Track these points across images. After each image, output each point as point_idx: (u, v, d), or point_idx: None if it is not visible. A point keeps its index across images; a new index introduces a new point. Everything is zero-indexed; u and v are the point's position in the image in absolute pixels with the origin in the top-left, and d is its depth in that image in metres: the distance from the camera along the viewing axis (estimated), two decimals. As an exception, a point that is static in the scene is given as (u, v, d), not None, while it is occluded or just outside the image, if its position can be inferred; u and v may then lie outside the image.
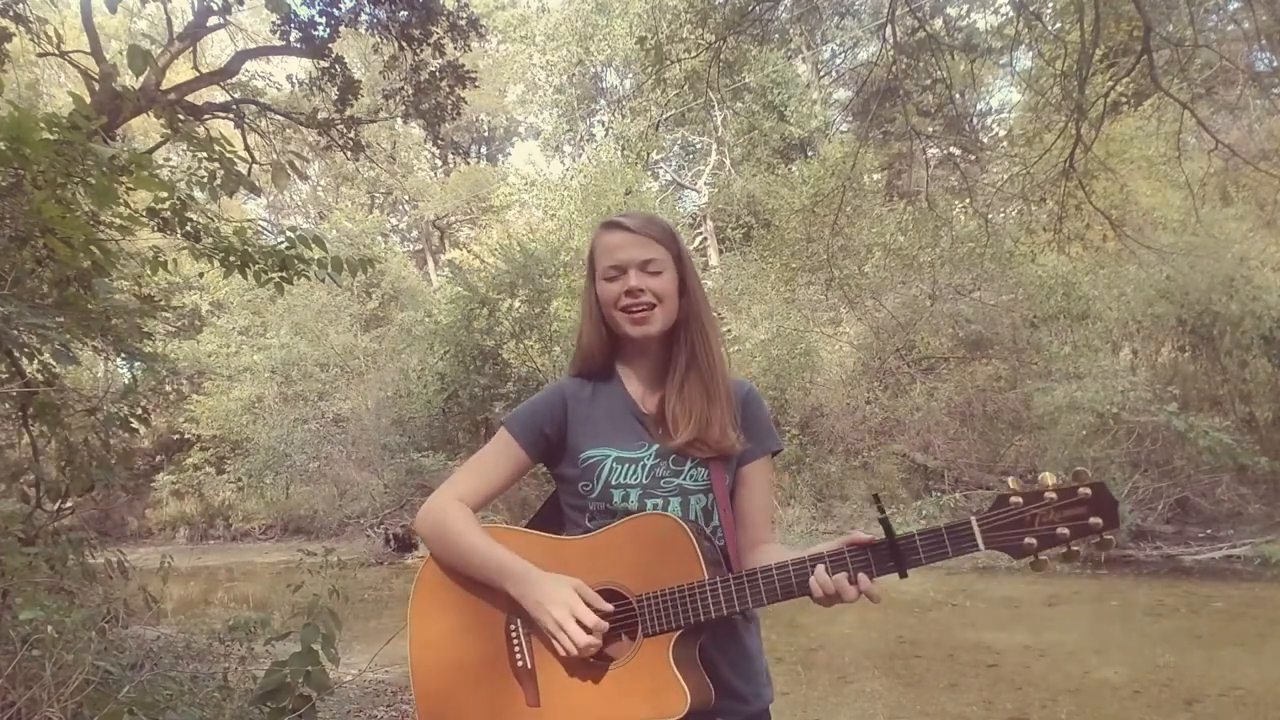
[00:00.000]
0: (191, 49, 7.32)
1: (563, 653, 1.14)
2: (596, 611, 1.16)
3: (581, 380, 1.39)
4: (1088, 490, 1.05)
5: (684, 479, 1.30)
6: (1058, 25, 7.81)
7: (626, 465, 1.30)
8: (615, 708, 1.16)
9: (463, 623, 1.26)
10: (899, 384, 12.70)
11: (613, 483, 1.29)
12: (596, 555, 1.23)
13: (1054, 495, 1.05)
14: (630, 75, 23.92)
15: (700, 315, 1.36)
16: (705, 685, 1.19)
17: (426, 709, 1.24)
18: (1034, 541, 1.05)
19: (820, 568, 1.13)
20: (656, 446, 1.31)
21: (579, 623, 1.13)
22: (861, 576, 1.12)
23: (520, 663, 1.21)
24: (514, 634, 1.22)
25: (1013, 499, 1.07)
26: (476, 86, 8.80)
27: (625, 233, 1.34)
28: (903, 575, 1.11)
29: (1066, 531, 1.04)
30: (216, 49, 15.97)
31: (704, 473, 1.31)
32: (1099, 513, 1.04)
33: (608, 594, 1.19)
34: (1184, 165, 8.21)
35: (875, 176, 15.85)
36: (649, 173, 20.84)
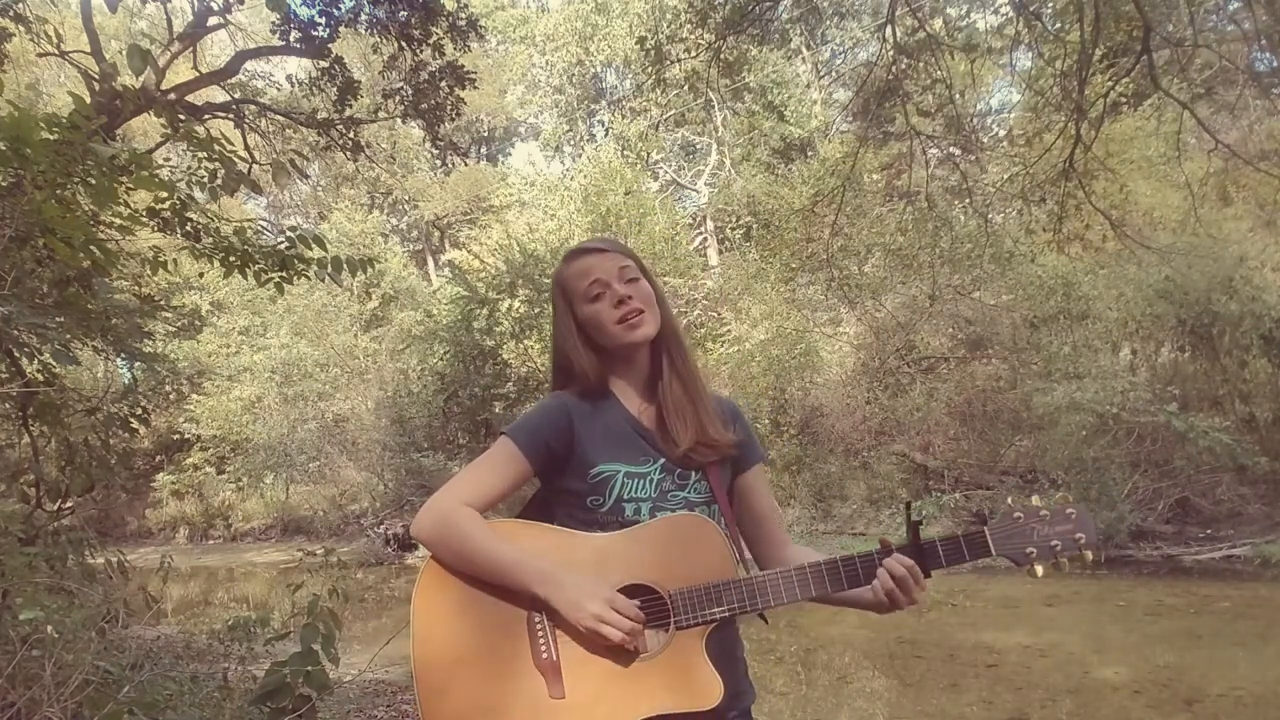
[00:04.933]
0: (191, 49, 7.32)
1: (607, 643, 1.18)
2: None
3: (579, 398, 1.41)
4: (1073, 511, 1.25)
5: (689, 492, 1.36)
6: (1058, 25, 7.81)
7: (636, 480, 1.33)
8: (644, 698, 1.18)
9: (473, 621, 1.25)
10: (899, 384, 12.70)
11: (625, 497, 1.32)
12: (620, 553, 1.26)
13: (1047, 513, 1.25)
14: (630, 75, 23.93)
15: (673, 324, 1.44)
16: (723, 679, 1.23)
17: (436, 709, 1.22)
18: (1033, 551, 1.23)
19: (890, 559, 1.23)
20: (663, 460, 1.36)
21: (620, 613, 1.18)
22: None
23: (545, 655, 1.22)
24: (539, 628, 1.23)
25: (1015, 515, 1.26)
26: (476, 87, 8.81)
27: (594, 254, 1.41)
28: (926, 575, 1.24)
29: (1058, 545, 1.23)
30: (216, 49, 15.98)
31: (705, 485, 1.37)
32: (1082, 530, 1.24)
33: (635, 589, 1.22)
34: (1184, 165, 8.22)
35: (875, 176, 15.85)
36: (649, 173, 20.83)
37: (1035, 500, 1.26)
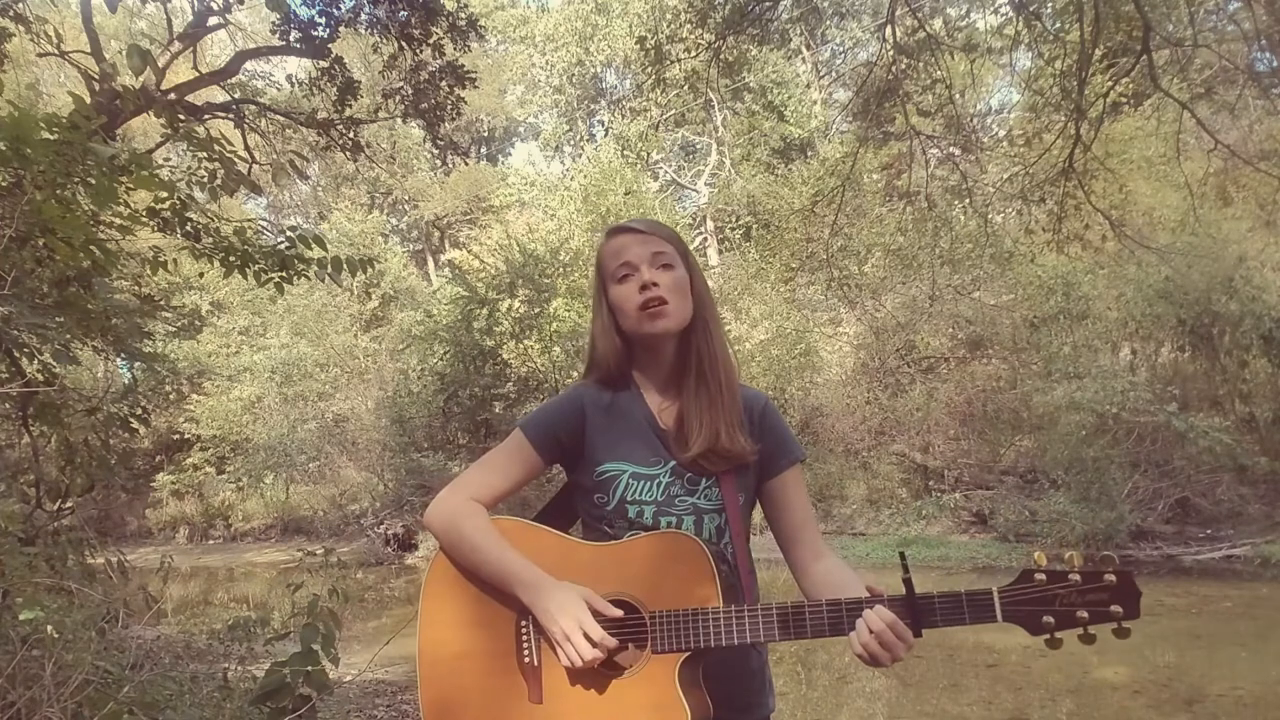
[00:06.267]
0: (191, 49, 7.31)
1: (566, 663, 1.15)
2: (605, 620, 1.17)
3: (600, 388, 1.37)
4: (1112, 577, 1.05)
5: (698, 498, 1.31)
6: (1057, 25, 7.80)
7: (642, 482, 1.30)
8: (615, 716, 1.18)
9: (473, 616, 1.28)
10: (899, 384, 12.71)
11: (628, 499, 1.29)
12: (613, 565, 1.24)
13: (1078, 578, 1.06)
14: (630, 75, 23.94)
15: (707, 319, 1.35)
16: (705, 704, 1.21)
17: (431, 696, 1.26)
18: (1052, 620, 1.06)
19: (870, 612, 1.11)
20: (673, 464, 1.31)
21: (586, 636, 1.14)
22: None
23: (528, 659, 1.22)
24: (524, 631, 1.24)
25: (1037, 575, 1.08)
26: (476, 87, 8.79)
27: (633, 233, 1.34)
28: (917, 634, 1.11)
29: (1086, 615, 1.05)
30: (216, 49, 15.97)
31: (717, 492, 1.31)
32: (1120, 601, 1.04)
33: (619, 604, 1.20)
34: (1184, 165, 8.21)
35: (875, 176, 15.86)
36: (649, 173, 20.85)
37: (1071, 557, 1.08)
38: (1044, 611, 1.06)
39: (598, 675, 1.19)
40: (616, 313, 1.33)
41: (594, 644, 1.14)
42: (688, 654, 1.17)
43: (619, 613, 1.18)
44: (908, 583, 1.12)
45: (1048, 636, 1.07)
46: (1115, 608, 1.04)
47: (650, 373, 1.37)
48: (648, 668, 1.18)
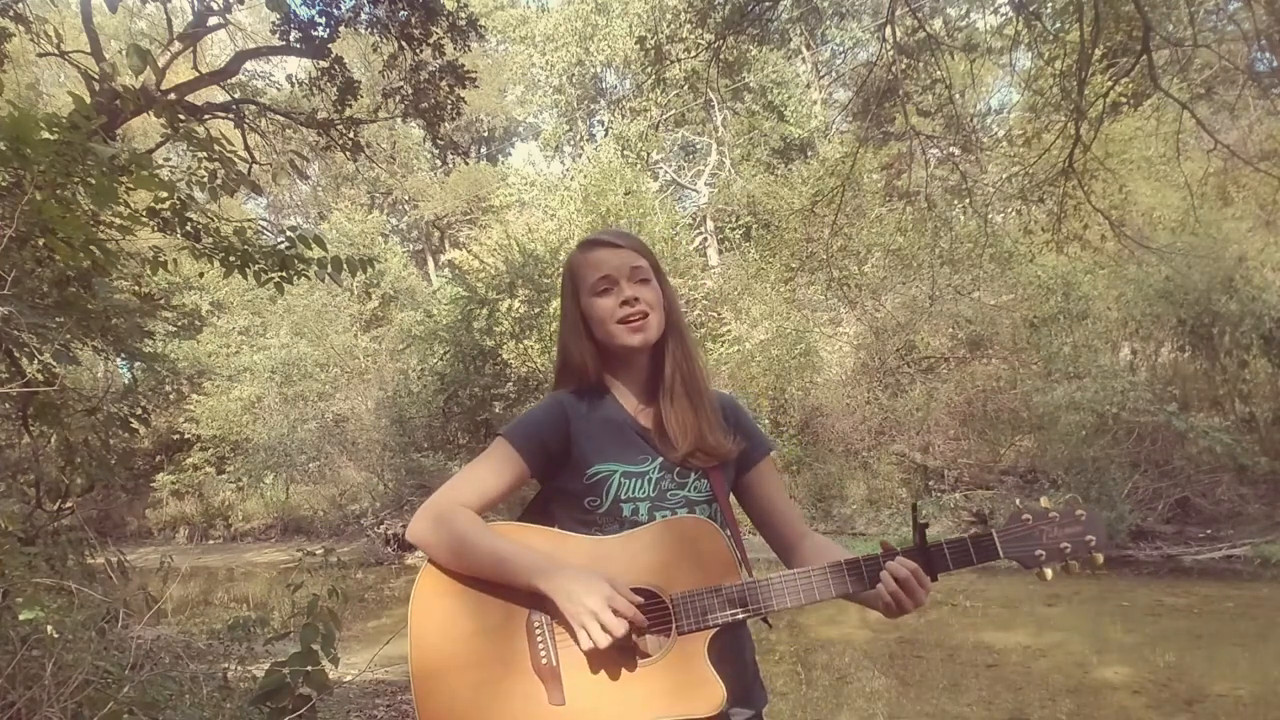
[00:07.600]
0: (191, 49, 7.31)
1: (591, 644, 1.12)
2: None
3: (575, 395, 1.39)
4: (1083, 513, 1.25)
5: (689, 490, 1.33)
6: (1057, 25, 7.80)
7: (633, 479, 1.31)
8: (647, 705, 1.15)
9: (473, 625, 1.22)
10: (899, 384, 12.70)
11: (622, 497, 1.30)
12: (621, 555, 1.23)
13: (1056, 515, 1.24)
14: (630, 75, 23.93)
15: (680, 326, 1.41)
16: (727, 682, 1.21)
17: (430, 714, 1.20)
18: (1043, 554, 1.23)
19: (893, 563, 1.20)
20: (661, 460, 1.33)
21: (616, 612, 1.13)
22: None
23: (545, 660, 1.18)
24: (537, 631, 1.20)
25: (1024, 516, 1.25)
26: (476, 86, 8.79)
27: (609, 247, 1.37)
28: (933, 579, 1.22)
29: (1068, 547, 1.23)
30: (216, 49, 15.97)
31: (706, 484, 1.35)
32: (1093, 532, 1.24)
33: (636, 593, 1.19)
34: (1184, 165, 8.21)
35: (875, 176, 15.85)
36: (649, 173, 20.83)
37: (1044, 501, 1.25)
38: (1035, 547, 1.23)
39: (621, 665, 1.16)
40: (592, 323, 1.37)
41: (628, 620, 1.13)
42: (715, 631, 1.19)
43: (640, 600, 1.16)
44: (922, 529, 1.23)
45: (1038, 570, 1.23)
46: (1090, 538, 1.23)
47: (625, 380, 1.40)
48: (675, 650, 1.17)
